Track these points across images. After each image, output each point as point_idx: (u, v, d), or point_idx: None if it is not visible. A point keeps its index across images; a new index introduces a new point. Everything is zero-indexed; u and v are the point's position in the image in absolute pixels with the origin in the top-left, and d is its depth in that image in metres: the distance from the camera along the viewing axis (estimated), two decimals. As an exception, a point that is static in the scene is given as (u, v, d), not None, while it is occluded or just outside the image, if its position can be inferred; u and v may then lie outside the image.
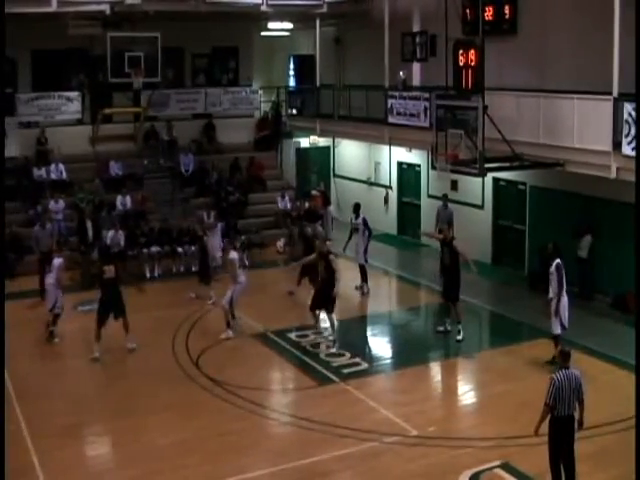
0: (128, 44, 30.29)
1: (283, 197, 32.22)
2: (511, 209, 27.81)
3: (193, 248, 28.27)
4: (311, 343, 20.95)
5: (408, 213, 33.28)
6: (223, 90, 35.74)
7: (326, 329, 21.37)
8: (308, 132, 36.32)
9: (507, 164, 23.06)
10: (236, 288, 21.42)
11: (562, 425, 12.85)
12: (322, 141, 37.04)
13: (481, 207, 28.56)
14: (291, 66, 41.15)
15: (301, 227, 26.56)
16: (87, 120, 32.98)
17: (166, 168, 33.19)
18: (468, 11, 26.54)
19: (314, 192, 33.23)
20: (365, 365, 19.75)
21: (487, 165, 22.16)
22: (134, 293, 21.40)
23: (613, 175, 20.68)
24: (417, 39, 32.12)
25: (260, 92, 36.81)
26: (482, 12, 23.29)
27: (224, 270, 22.12)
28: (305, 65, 38.85)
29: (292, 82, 40.85)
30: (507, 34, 26.57)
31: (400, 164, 33.47)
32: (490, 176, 25.94)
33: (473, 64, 22.05)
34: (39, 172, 30.68)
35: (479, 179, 25.84)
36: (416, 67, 32.24)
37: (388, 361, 20.73)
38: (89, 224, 27.93)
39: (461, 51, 22.36)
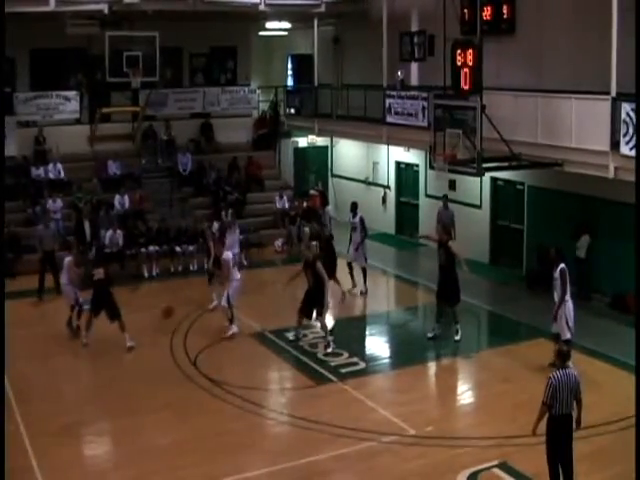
0: (126, 43, 30.26)
1: (281, 197, 32.22)
2: (509, 209, 27.83)
3: (191, 248, 28.34)
4: (309, 343, 20.95)
5: (406, 213, 33.30)
6: (221, 89, 35.74)
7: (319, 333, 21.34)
8: (306, 132, 36.35)
9: (505, 164, 23.07)
10: (232, 285, 21.43)
11: (560, 424, 12.84)
12: (320, 141, 37.05)
13: (479, 207, 28.57)
14: (289, 66, 41.17)
15: (316, 226, 26.33)
16: (85, 119, 33.01)
17: (164, 168, 33.21)
18: (466, 11, 26.47)
19: (312, 192, 33.29)
20: (363, 365, 19.74)
21: (485, 165, 22.17)
22: (127, 292, 21.46)
23: (611, 175, 20.68)
24: (415, 39, 32.11)
25: (258, 92, 36.80)
26: (480, 12, 23.21)
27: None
28: (303, 65, 38.87)
29: (290, 82, 40.86)
30: (505, 34, 26.56)
31: (398, 164, 33.49)
32: (488, 176, 26.00)
33: (471, 64, 22.06)
34: (37, 171, 30.68)
35: (477, 179, 25.88)
36: (414, 67, 32.26)
37: (386, 361, 20.72)
38: (87, 224, 27.94)
39: (459, 51, 22.36)
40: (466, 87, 22.30)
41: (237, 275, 21.71)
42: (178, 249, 28.40)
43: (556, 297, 18.53)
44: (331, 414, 16.74)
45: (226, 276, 21.55)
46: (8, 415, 15.05)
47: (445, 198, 27.75)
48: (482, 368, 19.89)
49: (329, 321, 21.51)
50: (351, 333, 22.72)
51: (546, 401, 12.76)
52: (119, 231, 27.43)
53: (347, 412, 16.97)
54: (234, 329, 21.39)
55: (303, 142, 37.70)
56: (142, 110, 32.63)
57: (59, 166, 30.93)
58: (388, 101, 28.97)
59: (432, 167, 24.11)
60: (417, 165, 32.06)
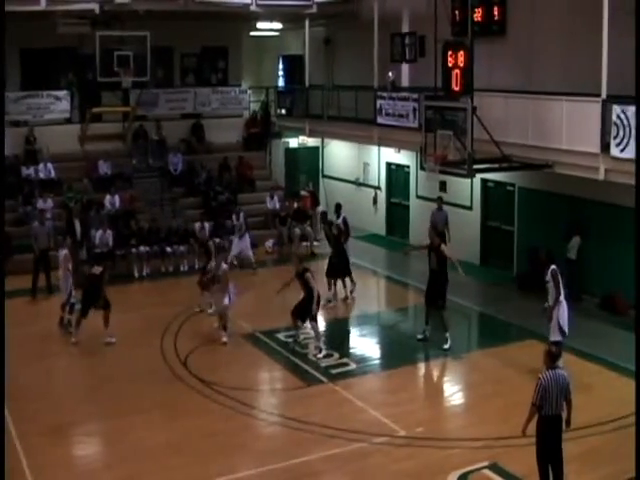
0: (117, 43, 30.22)
1: (272, 197, 32.21)
2: (500, 210, 27.88)
3: (182, 248, 28.35)
4: (300, 344, 20.92)
5: (397, 214, 33.33)
6: (212, 90, 35.70)
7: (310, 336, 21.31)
8: (297, 132, 36.36)
9: (496, 165, 23.08)
10: (230, 292, 21.23)
11: (549, 425, 12.86)
12: (311, 141, 37.06)
13: (470, 208, 28.60)
14: (280, 66, 41.18)
15: (326, 227, 26.28)
16: (76, 119, 32.90)
17: (155, 168, 33.14)
18: (457, 12, 26.53)
19: (303, 192, 33.30)
20: (353, 366, 19.76)
21: (476, 166, 22.19)
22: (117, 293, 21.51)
23: (601, 177, 20.71)
24: (406, 40, 32.12)
25: (249, 92, 36.78)
26: (471, 13, 23.23)
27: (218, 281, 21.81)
28: (294, 65, 38.90)
29: (281, 82, 40.86)
30: (496, 35, 26.59)
31: (389, 165, 33.51)
32: (479, 177, 25.99)
33: (462, 65, 22.05)
34: (28, 171, 30.61)
35: (468, 180, 25.90)
36: (405, 68, 32.26)
37: (376, 362, 20.74)
38: (77, 223, 27.87)
39: (450, 52, 22.36)
40: (457, 88, 22.30)
41: (232, 288, 21.45)
42: (169, 249, 28.39)
43: (551, 300, 18.53)
44: (322, 415, 16.75)
45: (224, 287, 21.39)
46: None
47: (439, 200, 27.71)
48: (472, 369, 19.91)
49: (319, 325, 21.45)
50: (341, 334, 22.77)
51: (536, 402, 12.78)
52: (109, 231, 27.40)
53: (338, 413, 16.99)
54: (224, 338, 21.21)
55: (294, 143, 37.73)
56: (133, 110, 32.59)
57: (50, 166, 30.87)
58: (379, 102, 28.99)
59: (423, 168, 24.13)
60: (408, 166, 32.09)
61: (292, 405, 17.57)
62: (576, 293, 23.59)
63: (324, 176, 37.41)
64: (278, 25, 36.23)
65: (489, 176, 26.71)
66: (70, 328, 21.63)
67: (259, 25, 36.09)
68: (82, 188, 30.51)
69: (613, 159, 20.09)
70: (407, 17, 31.87)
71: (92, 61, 30.37)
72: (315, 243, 31.09)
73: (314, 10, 33.29)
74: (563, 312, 18.40)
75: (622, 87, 20.08)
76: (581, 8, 22.94)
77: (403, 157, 32.03)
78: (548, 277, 18.48)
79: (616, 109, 19.79)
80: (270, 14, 34.06)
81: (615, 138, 19.83)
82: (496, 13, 26.64)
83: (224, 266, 21.61)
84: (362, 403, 17.45)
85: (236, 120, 36.23)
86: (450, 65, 22.36)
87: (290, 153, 37.96)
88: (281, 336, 21.41)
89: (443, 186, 29.11)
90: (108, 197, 29.92)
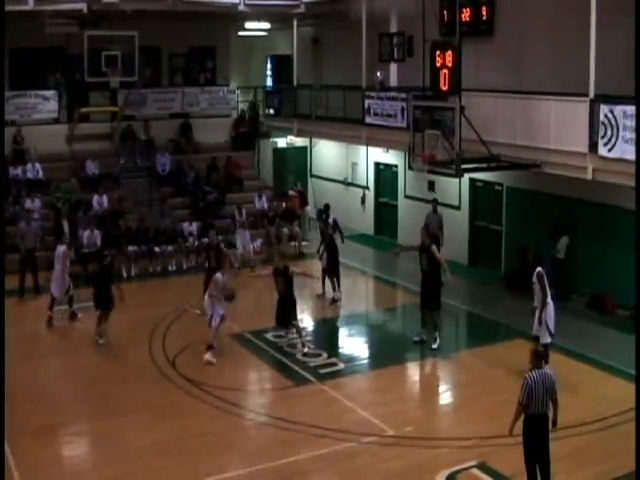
0: (105, 43, 30.21)
1: (260, 197, 32.17)
2: (488, 210, 27.91)
3: (170, 248, 28.32)
4: (288, 343, 20.92)
5: (385, 213, 33.35)
6: (200, 90, 35.70)
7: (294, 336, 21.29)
8: (285, 132, 36.35)
9: (484, 165, 23.08)
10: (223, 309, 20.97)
11: (536, 424, 12.88)
12: (299, 141, 37.06)
13: (458, 208, 28.64)
14: (268, 66, 41.14)
15: (321, 224, 26.21)
16: (64, 119, 32.82)
17: (143, 168, 33.08)
18: (445, 12, 26.60)
19: (291, 192, 33.27)
20: (342, 365, 19.77)
21: (464, 166, 22.19)
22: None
23: (589, 176, 20.75)
24: (394, 40, 32.15)
25: (237, 92, 36.79)
26: (459, 13, 23.29)
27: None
28: (282, 65, 38.84)
29: (269, 82, 40.83)
30: (484, 35, 26.63)
31: (377, 164, 33.54)
32: (467, 177, 26.03)
33: (450, 65, 22.07)
34: (15, 171, 30.51)
35: (456, 180, 25.89)
36: (393, 68, 32.27)
37: (365, 361, 20.74)
38: (65, 224, 27.80)
39: (438, 52, 22.37)
40: (445, 88, 22.31)
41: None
42: (157, 249, 28.33)
43: (536, 301, 18.54)
44: (310, 415, 16.75)
45: (216, 297, 20.52)
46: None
47: (435, 202, 27.57)
48: (461, 368, 19.94)
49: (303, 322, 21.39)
50: (330, 334, 22.79)
51: (522, 401, 12.80)
52: (96, 231, 27.33)
53: (326, 413, 16.99)
54: (211, 358, 20.14)
55: (282, 142, 37.71)
56: (121, 110, 32.54)
57: (37, 166, 30.77)
58: (367, 102, 29.00)
59: (411, 168, 24.14)
60: (396, 166, 32.13)
61: (280, 405, 17.58)
62: (564, 293, 23.66)
63: (312, 176, 37.41)
64: (266, 25, 36.22)
65: (477, 176, 26.75)
66: (54, 322, 22.06)
67: (247, 25, 36.08)
68: (70, 188, 30.45)
69: (601, 159, 20.13)
70: (395, 17, 31.91)
71: (80, 61, 30.33)
72: (303, 243, 31.10)
73: (302, 10, 33.28)
74: (550, 313, 18.41)
75: (610, 87, 20.16)
76: (569, 8, 22.96)
77: (391, 157, 32.06)
78: (534, 279, 18.49)
79: (604, 109, 19.83)
80: (258, 14, 34.06)
81: (603, 138, 19.87)
82: (484, 13, 26.67)
83: (217, 275, 21.05)
84: (350, 403, 17.45)
85: (224, 120, 36.20)
86: (438, 65, 22.37)
87: (278, 153, 37.94)
88: (269, 336, 21.39)
89: (431, 186, 29.16)
90: (96, 197, 29.86)
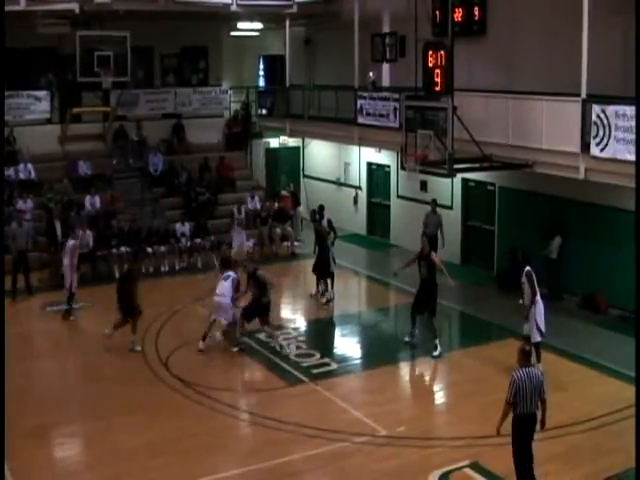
0: (97, 43, 30.17)
1: (253, 197, 32.13)
2: (480, 210, 27.94)
3: (163, 248, 28.30)
4: (279, 344, 20.88)
5: (378, 213, 33.36)
6: (193, 90, 35.64)
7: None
8: (278, 132, 36.36)
9: (476, 165, 23.11)
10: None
11: (524, 423, 12.93)
12: (292, 141, 37.05)
13: (450, 208, 28.64)
14: (261, 66, 41.12)
15: (317, 225, 26.13)
16: (56, 119, 32.78)
17: (135, 168, 33.04)
18: (437, 12, 26.60)
19: (284, 192, 33.27)
20: (335, 365, 19.77)
21: (456, 166, 22.21)
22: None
23: (581, 176, 20.79)
24: (387, 40, 32.17)
25: (230, 92, 36.73)
26: (451, 13, 23.30)
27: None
28: (275, 65, 38.89)
29: (262, 82, 40.82)
30: (476, 35, 26.66)
31: (370, 165, 33.54)
32: (459, 177, 26.05)
33: (443, 65, 22.08)
34: (7, 172, 30.36)
35: (448, 180, 25.91)
36: (386, 68, 32.30)
37: (357, 361, 20.75)
38: (58, 224, 27.75)
39: (431, 52, 22.37)
40: (437, 88, 22.31)
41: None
42: (149, 250, 28.30)
43: (526, 300, 18.56)
44: (303, 415, 16.75)
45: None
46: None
47: (434, 203, 27.50)
48: (453, 368, 19.95)
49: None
50: (323, 334, 22.78)
51: (510, 400, 12.84)
52: (89, 232, 27.27)
53: (319, 413, 17.00)
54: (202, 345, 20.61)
55: (275, 143, 37.71)
56: (113, 110, 32.51)
57: (30, 166, 30.68)
58: (360, 102, 29.01)
59: (403, 168, 24.12)
60: (388, 166, 32.13)
61: (273, 405, 17.55)
62: (557, 292, 23.71)
63: (305, 176, 37.40)
64: (258, 25, 36.17)
65: (470, 176, 26.77)
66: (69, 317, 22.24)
67: (239, 25, 36.03)
68: (62, 189, 30.35)
69: (593, 158, 20.17)
70: (388, 17, 31.92)
71: (72, 61, 30.26)
72: (296, 243, 31.10)
73: (294, 10, 33.26)
74: (540, 311, 18.42)
75: (602, 87, 20.20)
76: (561, 8, 22.99)
77: (384, 157, 32.06)
78: (523, 279, 18.50)
79: (596, 109, 19.87)
80: (250, 14, 34.03)
81: (595, 138, 19.92)
82: (476, 13, 26.71)
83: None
84: (343, 403, 17.46)
85: (217, 120, 36.16)
86: (431, 65, 22.38)
87: (271, 153, 37.93)
88: (262, 336, 21.35)
89: (424, 186, 29.18)
90: (88, 198, 29.79)
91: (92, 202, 29.80)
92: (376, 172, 33.41)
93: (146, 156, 33.18)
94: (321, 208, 25.88)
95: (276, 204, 31.99)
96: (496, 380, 18.17)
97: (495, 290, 25.41)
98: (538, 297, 18.42)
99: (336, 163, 35.26)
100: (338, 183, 35.07)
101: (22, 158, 30.95)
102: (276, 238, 30.78)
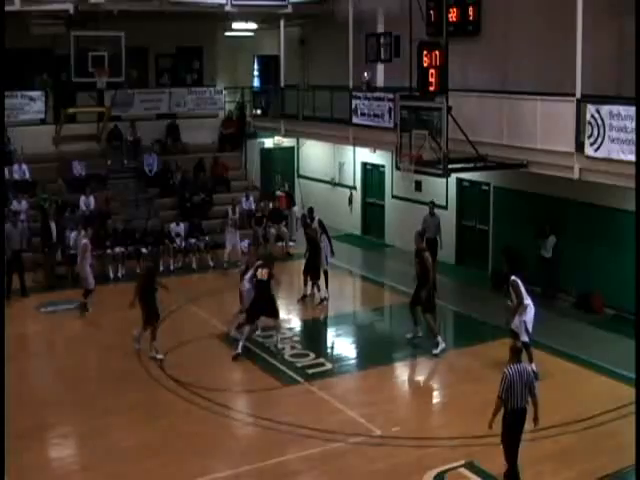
0: (92, 43, 30.12)
1: (247, 197, 32.11)
2: (475, 210, 27.96)
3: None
4: (275, 344, 20.89)
5: (372, 214, 33.37)
6: (187, 90, 35.58)
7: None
8: (272, 132, 36.34)
9: (471, 165, 23.08)
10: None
11: (515, 418, 13.05)
12: (286, 141, 37.05)
13: (445, 208, 28.62)
14: (255, 66, 41.06)
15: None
16: (50, 120, 32.71)
17: (130, 168, 33.04)
18: (432, 12, 26.61)
19: (278, 193, 33.24)
20: (329, 365, 19.77)
21: (451, 166, 22.17)
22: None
23: (576, 176, 20.79)
24: (381, 40, 32.13)
25: (224, 92, 36.69)
26: (446, 13, 23.29)
27: None
28: (269, 65, 38.79)
29: (257, 82, 40.77)
30: (471, 35, 26.66)
31: (364, 165, 33.54)
32: (454, 177, 26.06)
33: (437, 65, 22.07)
34: (2, 172, 30.44)
35: (443, 180, 25.93)
36: (380, 68, 32.27)
37: (352, 361, 20.75)
38: (53, 225, 27.69)
39: (425, 52, 22.34)
40: (432, 88, 22.28)
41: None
42: (144, 250, 28.25)
43: (510, 303, 18.54)
44: (297, 415, 16.75)
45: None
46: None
47: (432, 204, 27.40)
48: (448, 368, 19.96)
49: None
50: (318, 334, 22.78)
51: (501, 395, 12.98)
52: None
53: (314, 413, 17.00)
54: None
55: (269, 143, 37.68)
56: (108, 110, 32.48)
57: (24, 167, 30.62)
58: (354, 102, 29.00)
59: (398, 168, 24.11)
60: (383, 166, 32.13)
61: (268, 405, 17.56)
62: (551, 292, 23.74)
63: (300, 176, 37.40)
64: (253, 25, 36.14)
65: (464, 176, 26.79)
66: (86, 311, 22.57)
67: (234, 25, 35.99)
68: (57, 189, 30.30)
69: (587, 158, 20.18)
70: (382, 17, 31.88)
71: (67, 61, 30.22)
72: (290, 243, 31.11)
73: (289, 10, 33.29)
74: (530, 317, 18.36)
75: (596, 87, 20.23)
76: (555, 8, 22.99)
77: (378, 157, 32.06)
78: (510, 289, 18.47)
79: (590, 108, 19.87)
80: (245, 14, 34.02)
81: (589, 137, 19.92)
82: (471, 13, 26.71)
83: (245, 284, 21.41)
84: (338, 403, 17.45)
85: (211, 120, 36.16)
86: (425, 65, 22.35)
87: (265, 153, 37.92)
88: (257, 336, 21.34)
89: (418, 186, 29.20)
90: (83, 198, 29.74)
91: (87, 202, 29.74)
92: (371, 172, 33.43)
93: (141, 156, 33.18)
94: (310, 211, 25.75)
95: (271, 204, 31.97)
96: (491, 380, 18.04)
97: (489, 290, 25.38)
98: (529, 302, 18.35)
99: (331, 163, 35.26)
100: (333, 183, 35.07)
101: (17, 158, 30.88)
102: (271, 238, 30.76)
